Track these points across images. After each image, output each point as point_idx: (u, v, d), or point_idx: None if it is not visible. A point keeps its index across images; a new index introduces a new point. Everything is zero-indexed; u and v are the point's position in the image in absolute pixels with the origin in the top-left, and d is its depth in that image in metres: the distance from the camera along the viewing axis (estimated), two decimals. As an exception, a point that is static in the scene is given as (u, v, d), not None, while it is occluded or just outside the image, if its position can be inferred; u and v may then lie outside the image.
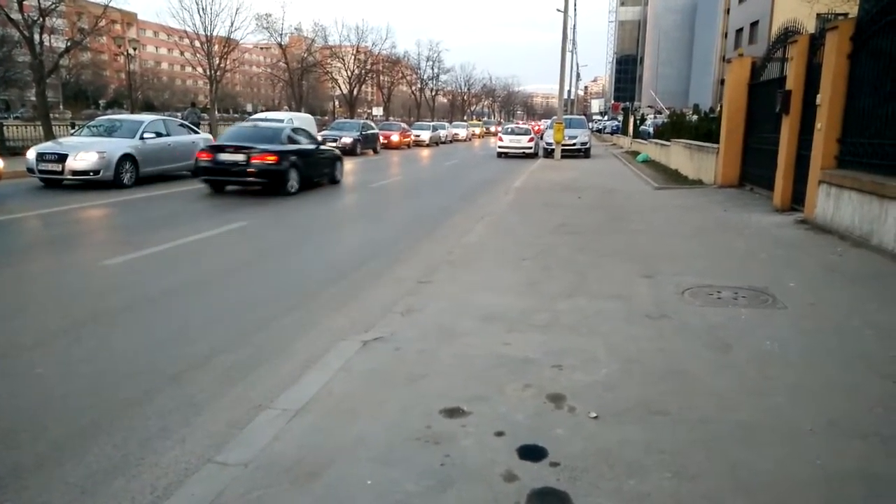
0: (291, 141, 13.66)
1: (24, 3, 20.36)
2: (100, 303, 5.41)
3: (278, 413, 3.26)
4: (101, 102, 71.23)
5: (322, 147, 15.32)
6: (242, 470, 2.73)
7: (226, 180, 12.93)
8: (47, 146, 13.67)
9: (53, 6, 22.16)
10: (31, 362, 4.13)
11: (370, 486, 2.59)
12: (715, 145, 14.71)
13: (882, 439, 3.00)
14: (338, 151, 16.61)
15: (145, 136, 14.07)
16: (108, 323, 4.92)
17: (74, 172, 12.62)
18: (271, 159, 12.49)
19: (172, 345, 4.48)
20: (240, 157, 12.42)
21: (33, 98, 24.92)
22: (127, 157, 13.27)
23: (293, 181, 13.08)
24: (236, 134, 14.26)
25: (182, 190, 13.42)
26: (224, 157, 12.49)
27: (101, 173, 12.69)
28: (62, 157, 12.66)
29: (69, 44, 28.87)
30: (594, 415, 3.20)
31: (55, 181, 12.93)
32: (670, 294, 5.43)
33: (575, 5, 45.89)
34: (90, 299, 5.54)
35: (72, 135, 15.89)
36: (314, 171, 14.39)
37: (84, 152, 12.75)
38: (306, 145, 14.31)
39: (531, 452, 2.84)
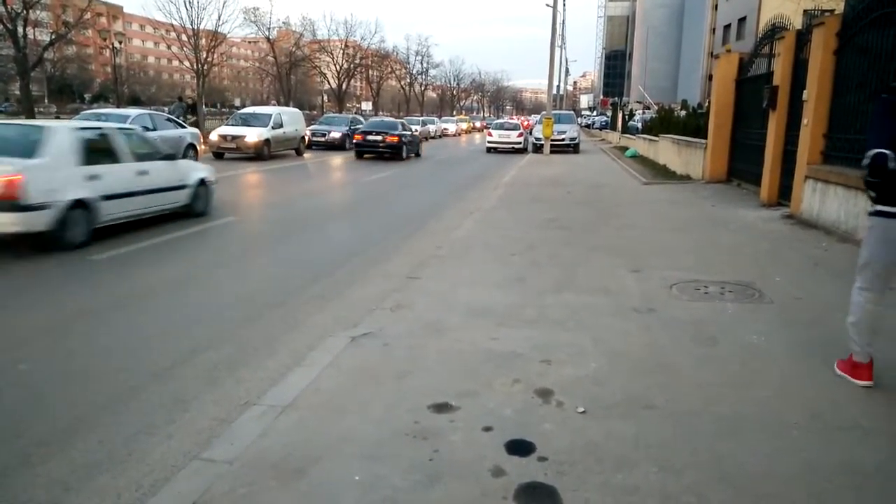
0: (403, 129, 23.32)
1: (8, -5, 20.09)
2: (85, 298, 5.35)
3: (265, 409, 3.25)
4: (87, 96, 70.34)
5: (414, 133, 25.45)
6: (229, 467, 2.71)
7: (370, 151, 22.15)
8: None
9: (37, -1, 21.91)
10: (15, 358, 4.09)
11: (357, 482, 2.59)
12: (703, 141, 14.79)
13: (864, 431, 3.03)
14: (419, 136, 26.19)
15: None
16: (93, 319, 4.88)
17: None
18: (395, 139, 21.97)
19: (157, 341, 4.44)
20: (378, 138, 21.93)
21: (17, 92, 24.67)
22: None
23: (405, 153, 22.36)
24: (374, 124, 24.27)
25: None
26: (370, 137, 22.04)
27: None
28: None
29: (53, 37, 28.55)
30: (582, 409, 3.21)
31: None
32: (658, 289, 5.46)
33: (564, 0, 45.94)
34: (75, 295, 5.48)
35: None
36: (412, 148, 23.78)
37: None
38: (407, 132, 23.85)
39: (519, 447, 2.84)
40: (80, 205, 7.00)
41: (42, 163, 6.80)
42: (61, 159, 7.05)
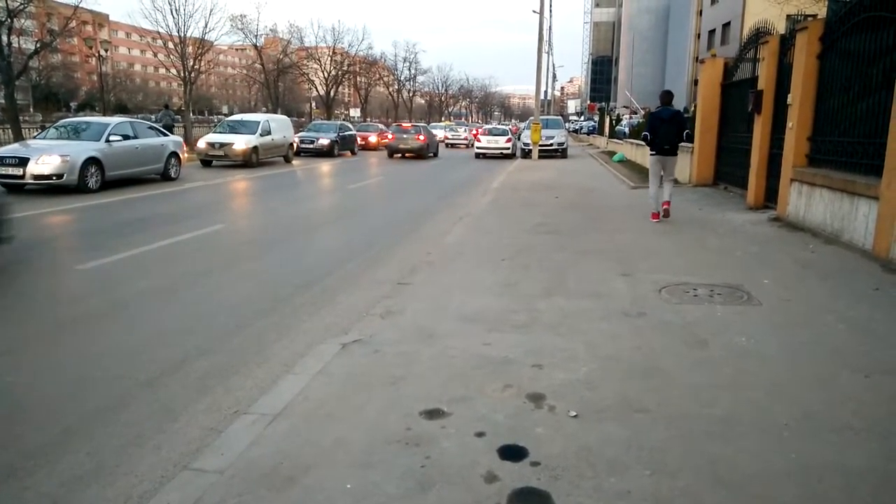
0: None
1: (-9, 4, 19.92)
2: (73, 307, 5.29)
3: (256, 418, 3.22)
4: (73, 105, 69.84)
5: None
6: (219, 476, 2.68)
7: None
8: (8, 149, 13.07)
9: (22, 7, 21.70)
10: (1, 370, 4.03)
11: (349, 490, 2.57)
12: (689, 145, 14.88)
13: (855, 432, 3.05)
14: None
15: (111, 138, 13.55)
16: (81, 328, 4.82)
17: (36, 177, 12.02)
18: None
19: (146, 350, 4.39)
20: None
21: (2, 101, 24.41)
22: (92, 161, 12.76)
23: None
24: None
25: (150, 194, 13.06)
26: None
27: (64, 177, 12.16)
28: (23, 161, 12.05)
29: (38, 45, 28.31)
30: (574, 413, 3.21)
31: (16, 186, 12.00)
32: (647, 292, 5.48)
33: (550, 7, 46.15)
34: (63, 304, 5.42)
35: (35, 137, 15.23)
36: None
37: (46, 156, 12.20)
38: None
39: (512, 452, 2.84)
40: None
41: None
42: None
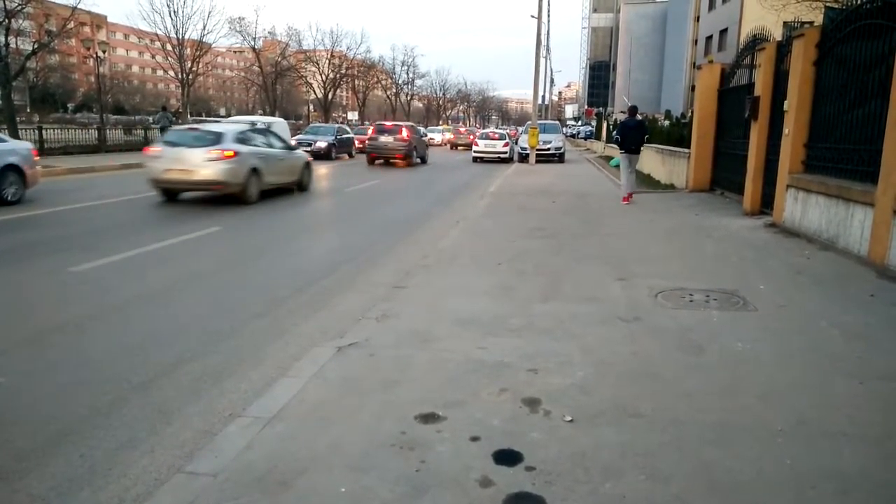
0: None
1: (-11, 4, 19.91)
2: (66, 309, 5.27)
3: (250, 421, 3.21)
4: (70, 106, 69.71)
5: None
6: (213, 480, 2.67)
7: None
8: None
9: (20, 7, 21.69)
10: (-7, 372, 4.01)
11: (344, 494, 2.56)
12: (686, 150, 14.93)
13: (849, 438, 3.05)
14: None
15: None
16: (74, 330, 4.79)
17: None
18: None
19: (140, 352, 4.38)
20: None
21: (-1, 101, 24.37)
22: None
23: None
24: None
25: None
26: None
27: None
28: None
29: (36, 46, 28.28)
30: (569, 418, 3.20)
31: None
32: (643, 297, 5.48)
33: (548, 12, 46.37)
34: (56, 306, 5.39)
35: None
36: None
37: None
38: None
39: (507, 457, 2.83)
40: None
41: None
42: None
